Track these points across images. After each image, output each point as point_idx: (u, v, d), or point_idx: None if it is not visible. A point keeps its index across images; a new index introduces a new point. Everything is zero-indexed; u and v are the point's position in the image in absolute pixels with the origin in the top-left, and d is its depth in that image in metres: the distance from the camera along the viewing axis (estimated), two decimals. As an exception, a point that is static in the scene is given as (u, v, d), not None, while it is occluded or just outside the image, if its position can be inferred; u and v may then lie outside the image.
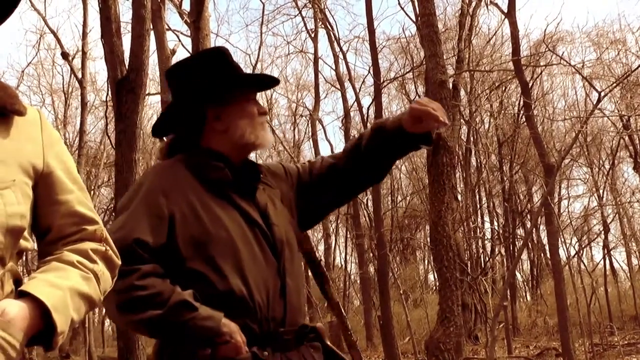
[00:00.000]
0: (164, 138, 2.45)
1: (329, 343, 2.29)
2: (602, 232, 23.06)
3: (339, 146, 28.70)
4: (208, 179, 2.19)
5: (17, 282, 1.59)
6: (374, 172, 2.53)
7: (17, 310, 1.44)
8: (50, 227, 1.65)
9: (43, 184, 1.65)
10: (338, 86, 22.58)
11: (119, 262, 1.72)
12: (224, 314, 2.03)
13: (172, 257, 2.08)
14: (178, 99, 2.31)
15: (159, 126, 2.36)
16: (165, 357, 2.10)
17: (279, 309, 2.15)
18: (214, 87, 2.26)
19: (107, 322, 27.05)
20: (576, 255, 20.62)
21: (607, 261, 24.41)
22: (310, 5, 19.25)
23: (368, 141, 2.44)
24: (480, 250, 23.09)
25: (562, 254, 16.29)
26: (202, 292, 2.05)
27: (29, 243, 1.61)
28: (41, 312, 1.48)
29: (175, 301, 1.99)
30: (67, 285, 1.56)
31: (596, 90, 9.96)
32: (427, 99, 2.36)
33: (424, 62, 15.79)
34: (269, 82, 2.41)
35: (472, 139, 21.85)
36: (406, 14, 23.01)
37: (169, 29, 15.96)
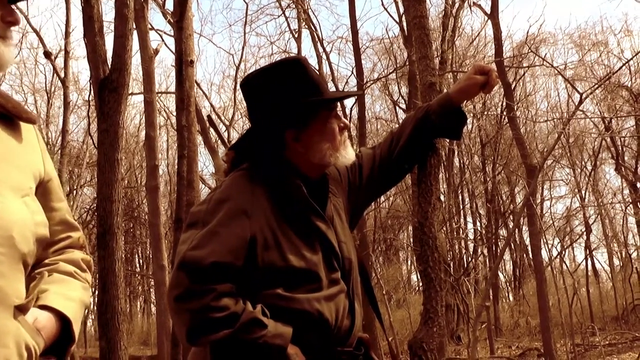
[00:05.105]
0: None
1: (373, 355, 2.31)
2: (584, 232, 23.23)
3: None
4: (287, 202, 2.14)
5: None
6: (417, 157, 2.71)
7: (46, 321, 1.59)
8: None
9: (41, 191, 1.71)
10: (321, 86, 22.46)
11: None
12: (293, 329, 2.03)
13: (247, 278, 2.04)
14: (255, 121, 2.24)
15: (239, 145, 2.29)
16: None
17: (345, 330, 2.17)
18: (295, 112, 2.19)
19: (89, 322, 26.87)
20: (558, 256, 20.75)
21: (589, 262, 24.64)
22: (294, 6, 19.21)
23: (422, 122, 2.55)
24: (463, 251, 23.16)
25: (545, 254, 16.39)
26: (273, 308, 2.04)
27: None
28: (61, 324, 1.63)
29: (246, 319, 1.97)
30: (77, 297, 1.71)
31: (578, 92, 10.00)
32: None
33: (408, 63, 15.88)
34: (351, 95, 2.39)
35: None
36: (389, 14, 22.99)
37: (152, 28, 15.89)
